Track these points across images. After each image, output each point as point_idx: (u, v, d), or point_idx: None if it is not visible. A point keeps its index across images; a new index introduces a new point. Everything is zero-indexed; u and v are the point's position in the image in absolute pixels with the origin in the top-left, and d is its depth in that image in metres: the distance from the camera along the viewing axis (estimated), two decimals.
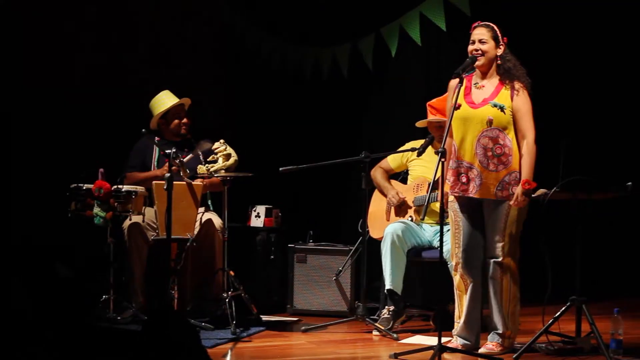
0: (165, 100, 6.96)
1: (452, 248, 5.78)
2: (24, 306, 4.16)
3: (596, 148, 7.65)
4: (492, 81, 5.67)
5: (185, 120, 6.98)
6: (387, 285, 6.47)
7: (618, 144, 7.83)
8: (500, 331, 5.68)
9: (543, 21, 7.70)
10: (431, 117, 6.56)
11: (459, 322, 5.79)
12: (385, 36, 7.71)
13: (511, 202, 5.53)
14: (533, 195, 5.54)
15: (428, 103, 6.66)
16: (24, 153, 7.43)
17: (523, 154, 5.58)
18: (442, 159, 5.38)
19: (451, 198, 5.71)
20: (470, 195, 5.62)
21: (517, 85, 5.62)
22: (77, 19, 7.74)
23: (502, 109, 5.57)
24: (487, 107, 5.59)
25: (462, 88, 5.56)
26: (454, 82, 5.70)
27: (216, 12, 8.48)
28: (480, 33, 5.65)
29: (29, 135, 7.46)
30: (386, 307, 6.49)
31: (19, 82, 7.46)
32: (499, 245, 5.61)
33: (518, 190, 5.51)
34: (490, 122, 5.56)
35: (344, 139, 8.03)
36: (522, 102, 5.60)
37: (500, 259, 5.62)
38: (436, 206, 6.34)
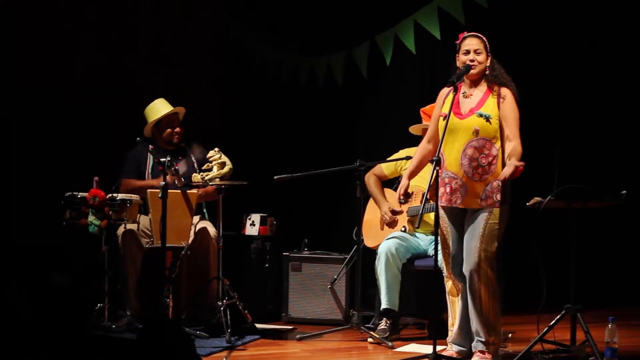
0: (159, 108, 6.94)
1: (442, 255, 5.78)
2: (23, 307, 4.16)
3: (590, 156, 7.66)
4: (480, 89, 5.67)
5: (177, 129, 6.96)
6: (384, 305, 6.46)
7: (612, 153, 7.84)
8: (482, 339, 5.66)
9: (536, 30, 7.72)
10: (426, 123, 6.57)
11: (452, 330, 5.79)
12: (380, 44, 7.72)
13: (500, 177, 5.47)
14: (527, 204, 5.55)
15: (421, 109, 6.67)
16: (19, 160, 7.42)
17: (506, 150, 5.52)
18: (437, 168, 5.39)
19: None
20: (455, 205, 5.62)
21: (503, 92, 5.62)
22: (77, 19, 7.73)
23: (487, 118, 5.56)
24: (473, 117, 5.58)
25: (452, 98, 5.58)
26: (444, 91, 5.73)
27: (215, 15, 8.48)
28: (475, 43, 5.65)
29: (23, 142, 7.44)
30: (384, 319, 6.48)
31: (18, 84, 7.45)
32: (476, 254, 5.57)
33: (512, 168, 5.41)
34: (476, 132, 5.55)
35: (339, 147, 8.04)
36: (508, 110, 5.57)
37: (477, 269, 5.57)
38: (430, 218, 6.35)
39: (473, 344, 5.69)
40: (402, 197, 5.82)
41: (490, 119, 5.55)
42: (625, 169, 7.68)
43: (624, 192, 5.45)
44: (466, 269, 5.61)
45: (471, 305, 5.64)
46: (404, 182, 5.84)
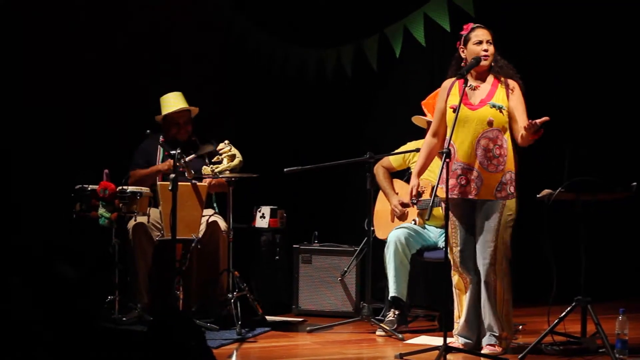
0: (170, 102, 6.91)
1: (449, 249, 5.77)
2: (23, 306, 4.16)
3: (600, 149, 7.64)
4: (488, 81, 5.69)
5: (183, 128, 6.92)
6: (392, 293, 6.47)
7: (622, 145, 7.82)
8: (496, 333, 5.66)
9: (545, 23, 7.70)
10: (430, 116, 6.56)
11: (458, 322, 5.79)
12: (389, 37, 7.71)
13: (528, 124, 5.37)
14: (538, 196, 5.55)
15: (422, 103, 6.66)
16: (28, 154, 7.43)
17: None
18: (447, 159, 5.39)
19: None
20: (470, 197, 5.61)
21: (511, 83, 5.66)
22: (77, 19, 7.73)
23: (500, 109, 5.59)
24: (486, 107, 5.60)
25: (458, 90, 5.58)
26: (447, 83, 5.73)
27: (220, 12, 8.48)
28: (486, 34, 5.66)
29: (32, 136, 7.46)
30: (392, 310, 6.48)
31: (20, 84, 7.46)
32: (492, 247, 5.59)
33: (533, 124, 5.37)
34: (490, 123, 5.57)
35: (349, 139, 8.04)
36: (518, 101, 5.62)
37: (493, 262, 5.59)
38: (440, 211, 6.34)
39: (485, 338, 5.69)
40: (414, 198, 5.82)
41: (503, 110, 5.58)
42: (636, 161, 7.65)
43: (635, 183, 5.44)
44: (482, 263, 5.61)
45: (485, 299, 5.64)
46: (413, 181, 5.83)
